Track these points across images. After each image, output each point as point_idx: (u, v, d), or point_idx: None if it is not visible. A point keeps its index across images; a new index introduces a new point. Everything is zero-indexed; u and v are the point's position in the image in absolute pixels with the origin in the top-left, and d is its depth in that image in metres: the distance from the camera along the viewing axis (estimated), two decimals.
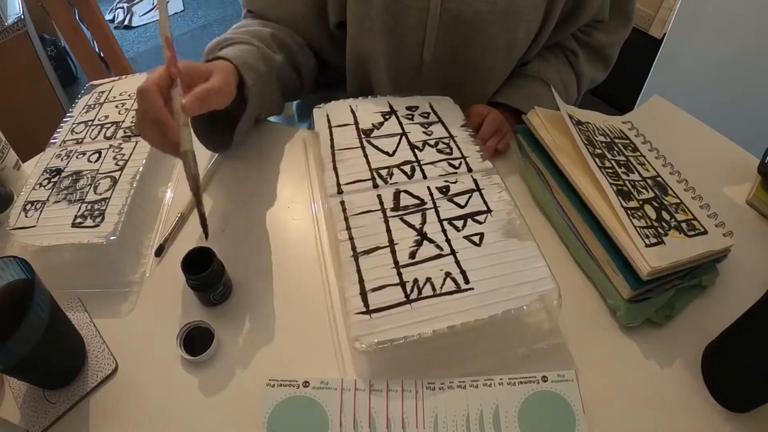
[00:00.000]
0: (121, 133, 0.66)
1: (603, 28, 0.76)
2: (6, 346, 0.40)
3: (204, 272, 0.50)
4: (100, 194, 0.58)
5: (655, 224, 0.51)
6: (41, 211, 0.58)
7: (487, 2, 0.62)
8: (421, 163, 0.57)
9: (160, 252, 0.58)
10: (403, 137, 0.60)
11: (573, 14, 0.70)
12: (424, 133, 0.61)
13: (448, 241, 0.49)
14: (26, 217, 0.57)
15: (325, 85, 0.78)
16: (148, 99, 0.47)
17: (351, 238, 0.50)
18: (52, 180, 0.61)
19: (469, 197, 0.53)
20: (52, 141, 0.67)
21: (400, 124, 0.62)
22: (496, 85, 0.75)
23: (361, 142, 0.59)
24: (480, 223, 0.51)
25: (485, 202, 0.53)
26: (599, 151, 0.58)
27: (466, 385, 0.45)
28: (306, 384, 0.45)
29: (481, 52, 0.68)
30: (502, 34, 0.66)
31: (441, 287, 0.46)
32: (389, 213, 0.52)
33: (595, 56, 0.78)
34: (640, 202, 0.53)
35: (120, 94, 0.73)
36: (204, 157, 0.69)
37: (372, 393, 0.45)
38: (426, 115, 0.64)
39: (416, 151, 0.59)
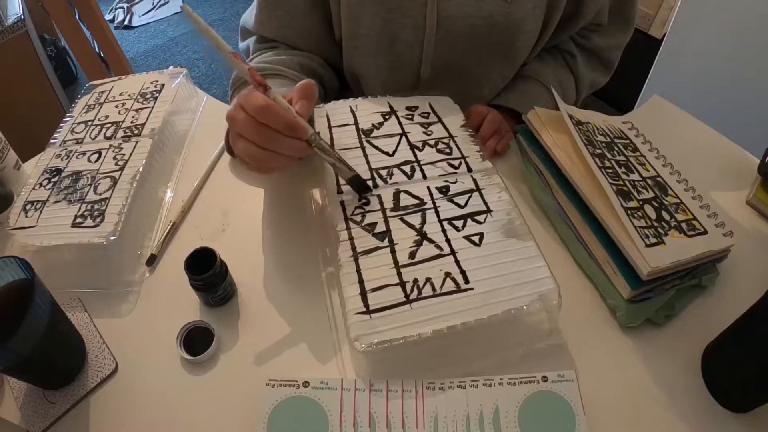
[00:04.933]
0: (121, 133, 0.66)
1: (601, 31, 0.76)
2: (6, 346, 0.40)
3: (207, 273, 0.50)
4: (100, 194, 0.58)
5: (655, 224, 0.51)
6: (41, 211, 0.58)
7: (482, 16, 0.63)
8: (421, 163, 0.57)
9: (151, 262, 0.58)
10: (403, 137, 0.60)
11: (571, 19, 0.70)
12: (424, 133, 0.61)
13: (447, 241, 0.49)
14: (26, 217, 0.57)
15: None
16: (274, 111, 0.43)
17: (351, 238, 0.50)
18: (52, 180, 0.61)
19: (469, 197, 0.53)
20: (52, 141, 0.67)
21: (400, 124, 0.62)
22: (495, 92, 0.76)
23: (360, 142, 0.59)
24: (480, 223, 0.51)
25: (485, 202, 0.53)
26: (599, 151, 0.58)
27: (466, 385, 0.45)
28: (306, 384, 0.45)
29: (478, 64, 0.69)
30: (499, 46, 0.67)
31: (441, 287, 0.46)
32: (389, 213, 0.52)
33: (594, 59, 0.78)
34: (640, 202, 0.53)
35: (120, 94, 0.73)
36: (205, 156, 0.70)
37: (372, 393, 0.45)
38: (426, 115, 0.64)
39: (416, 151, 0.59)
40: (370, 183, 0.53)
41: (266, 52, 0.68)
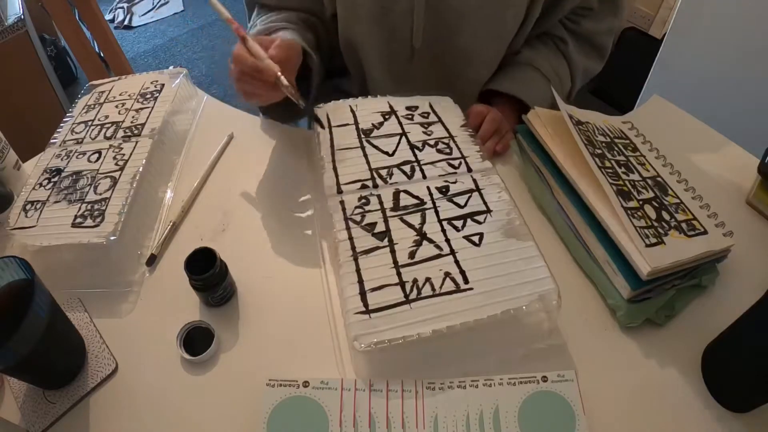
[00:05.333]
0: (121, 133, 0.66)
1: (591, 16, 0.76)
2: (6, 346, 0.40)
3: (207, 273, 0.50)
4: (100, 194, 0.58)
5: (655, 224, 0.51)
6: (41, 211, 0.58)
7: None
8: (421, 163, 0.57)
9: (151, 262, 0.58)
10: (403, 137, 0.60)
11: (558, 2, 0.70)
12: (424, 133, 0.61)
13: (447, 241, 0.49)
14: (26, 217, 0.57)
15: (331, 73, 0.79)
16: (243, 59, 0.55)
17: (350, 238, 0.50)
18: (52, 180, 0.61)
19: (469, 197, 0.53)
20: (52, 141, 0.67)
21: (400, 124, 0.62)
22: (489, 71, 0.76)
23: (360, 141, 0.59)
24: (479, 223, 0.51)
25: (485, 202, 0.53)
26: (599, 151, 0.58)
27: (466, 385, 0.45)
28: (306, 384, 0.45)
29: (469, 37, 0.69)
30: (489, 19, 0.67)
31: (440, 287, 0.46)
32: (389, 213, 0.52)
33: (585, 44, 0.79)
34: (640, 202, 0.53)
35: (120, 94, 0.73)
36: (205, 156, 0.70)
37: (372, 393, 0.45)
38: (426, 115, 0.64)
39: (416, 151, 0.59)
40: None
41: (264, 15, 0.70)
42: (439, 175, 0.56)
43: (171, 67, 0.78)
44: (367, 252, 0.49)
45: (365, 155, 0.58)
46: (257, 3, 0.74)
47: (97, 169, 0.62)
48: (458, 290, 0.45)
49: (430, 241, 0.49)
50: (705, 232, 0.52)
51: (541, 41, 0.77)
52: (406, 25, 0.67)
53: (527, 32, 0.74)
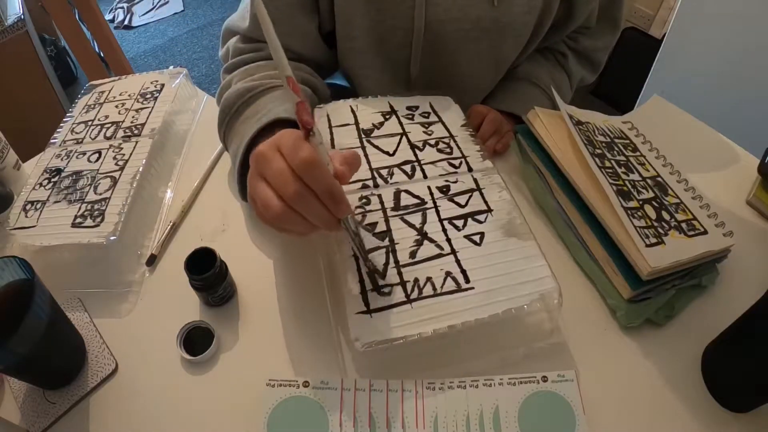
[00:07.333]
0: (121, 133, 0.66)
1: (590, 33, 0.76)
2: (6, 346, 0.40)
3: (207, 273, 0.50)
4: (100, 194, 0.58)
5: (655, 224, 0.51)
6: (41, 211, 0.58)
7: (470, 20, 0.63)
8: (422, 162, 0.57)
9: (151, 262, 0.58)
10: (404, 137, 0.60)
11: (562, 23, 0.70)
12: (425, 132, 0.61)
13: (448, 240, 0.49)
14: (26, 217, 0.57)
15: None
16: (320, 171, 0.37)
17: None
18: (52, 180, 0.61)
19: (470, 197, 0.53)
20: (52, 141, 0.67)
21: (401, 123, 0.62)
22: (485, 93, 0.76)
23: (361, 141, 0.59)
24: (480, 222, 0.51)
25: (485, 202, 0.53)
26: (599, 151, 0.58)
27: (466, 385, 0.45)
28: (306, 384, 0.45)
29: (467, 67, 0.69)
30: (487, 50, 0.67)
31: (441, 287, 0.46)
32: (390, 213, 0.52)
33: (583, 59, 0.79)
34: (640, 202, 0.53)
35: (120, 94, 0.73)
36: (205, 156, 0.70)
37: (372, 393, 0.45)
38: (426, 114, 0.64)
39: (416, 150, 0.59)
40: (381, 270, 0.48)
41: (248, 55, 0.64)
42: (440, 175, 0.56)
43: (171, 67, 0.78)
44: (368, 252, 0.49)
45: (366, 155, 0.58)
46: (239, 35, 0.66)
47: (97, 169, 0.62)
48: (459, 289, 0.45)
49: (431, 240, 0.49)
50: (705, 232, 0.52)
51: (541, 55, 0.77)
52: (403, 55, 0.67)
53: (526, 55, 0.74)
